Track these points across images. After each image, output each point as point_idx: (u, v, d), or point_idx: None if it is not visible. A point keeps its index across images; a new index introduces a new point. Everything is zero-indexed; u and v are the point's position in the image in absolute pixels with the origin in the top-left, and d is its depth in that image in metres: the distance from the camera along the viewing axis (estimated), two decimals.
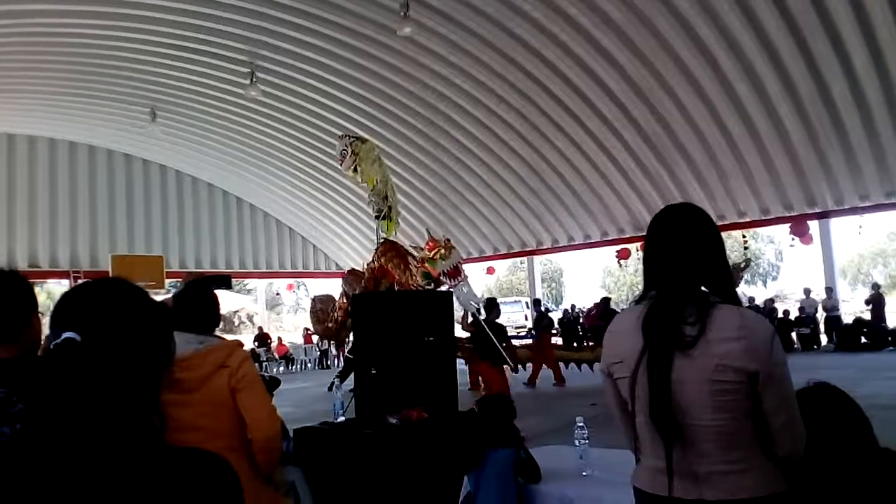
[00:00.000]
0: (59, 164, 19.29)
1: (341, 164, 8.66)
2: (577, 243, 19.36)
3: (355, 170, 8.25)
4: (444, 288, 6.94)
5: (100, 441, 0.96)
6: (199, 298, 2.58)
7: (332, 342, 20.95)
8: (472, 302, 7.53)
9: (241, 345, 2.58)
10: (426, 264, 6.79)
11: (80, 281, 17.58)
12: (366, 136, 10.35)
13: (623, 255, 17.90)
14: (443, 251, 6.70)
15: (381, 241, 8.01)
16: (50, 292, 26.77)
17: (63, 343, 0.98)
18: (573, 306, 23.38)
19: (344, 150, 8.38)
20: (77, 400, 0.97)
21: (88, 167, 19.78)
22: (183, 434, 2.17)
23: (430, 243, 6.83)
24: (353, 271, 10.33)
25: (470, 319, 8.53)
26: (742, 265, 12.90)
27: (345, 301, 8.89)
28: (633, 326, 1.73)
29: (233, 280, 23.43)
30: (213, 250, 22.42)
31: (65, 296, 1.09)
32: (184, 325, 2.44)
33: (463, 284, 6.96)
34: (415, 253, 7.35)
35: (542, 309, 16.82)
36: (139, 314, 1.07)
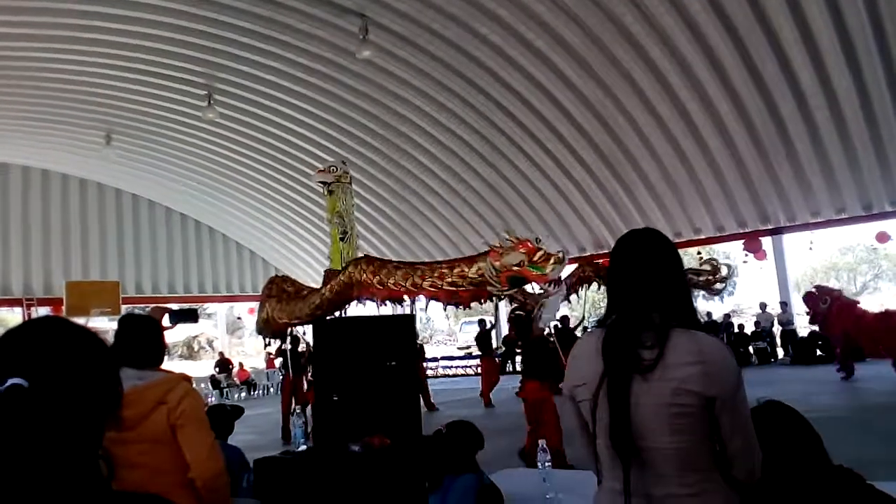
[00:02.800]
0: (12, 189, 18.81)
1: (319, 171, 8.10)
2: None
3: (326, 186, 7.91)
4: (538, 293, 6.29)
5: (47, 490, 0.92)
6: (139, 333, 2.49)
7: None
8: (553, 314, 6.92)
9: (187, 378, 2.49)
10: (525, 268, 5.80)
11: (33, 309, 17.00)
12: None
13: None
14: (559, 255, 5.91)
15: (361, 257, 7.23)
16: (2, 320, 25.98)
17: (9, 390, 0.93)
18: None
19: (333, 167, 7.99)
20: (26, 448, 0.92)
21: (42, 192, 19.31)
22: (125, 472, 2.11)
23: (528, 244, 5.53)
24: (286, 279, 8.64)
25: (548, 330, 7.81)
26: (712, 272, 10.85)
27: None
28: (594, 350, 1.75)
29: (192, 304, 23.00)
30: (170, 275, 21.99)
31: (6, 337, 1.03)
32: (124, 361, 2.37)
33: (560, 293, 6.32)
34: (496, 247, 6.22)
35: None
36: (87, 356, 1.03)
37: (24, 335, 1.03)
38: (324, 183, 7.60)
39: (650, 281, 1.74)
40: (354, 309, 7.69)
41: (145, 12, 11.63)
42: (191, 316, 4.14)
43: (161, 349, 2.55)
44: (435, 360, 19.65)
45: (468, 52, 12.95)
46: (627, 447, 1.65)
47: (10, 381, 0.94)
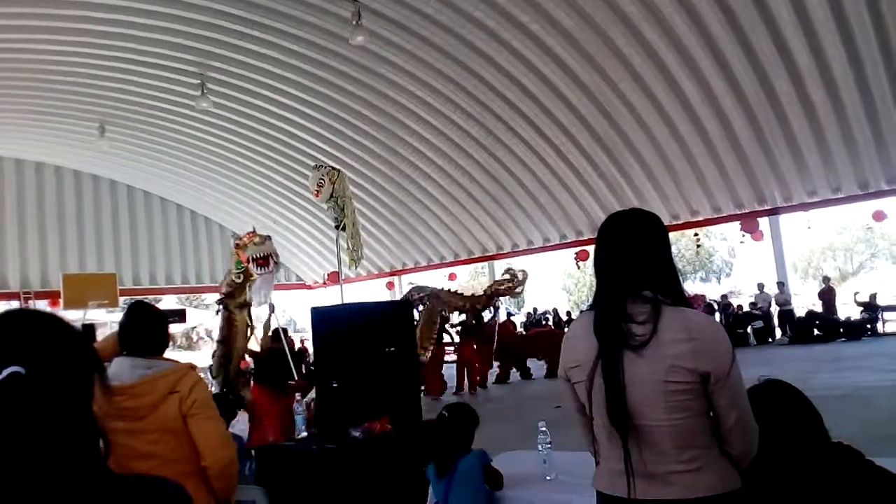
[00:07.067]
0: (6, 183, 18.78)
1: (317, 195, 8.36)
2: (536, 247, 19.51)
3: (331, 198, 8.09)
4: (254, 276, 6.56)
5: (50, 473, 0.94)
6: (147, 321, 2.48)
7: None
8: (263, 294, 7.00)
9: (194, 367, 2.49)
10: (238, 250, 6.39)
11: (30, 302, 16.99)
12: (337, 166, 10.07)
13: (582, 256, 18.10)
14: (256, 239, 6.26)
15: None
16: None
17: (9, 377, 0.95)
18: (535, 310, 23.64)
19: (321, 179, 8.17)
20: (29, 431, 0.94)
21: (36, 185, 19.26)
22: (136, 462, 2.12)
23: (249, 234, 6.50)
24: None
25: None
26: (510, 280, 12.60)
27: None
28: (587, 331, 1.74)
29: (190, 295, 22.99)
30: (167, 266, 21.97)
31: None
32: (131, 350, 2.36)
33: (268, 276, 6.49)
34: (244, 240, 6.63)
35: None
36: (71, 341, 1.05)
37: (12, 324, 1.04)
38: (331, 196, 7.92)
39: (639, 259, 1.73)
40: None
41: (137, 1, 11.53)
42: (178, 316, 4.15)
43: (166, 337, 2.55)
44: None
45: (462, 37, 12.87)
46: (625, 426, 1.64)
47: (7, 370, 0.95)
